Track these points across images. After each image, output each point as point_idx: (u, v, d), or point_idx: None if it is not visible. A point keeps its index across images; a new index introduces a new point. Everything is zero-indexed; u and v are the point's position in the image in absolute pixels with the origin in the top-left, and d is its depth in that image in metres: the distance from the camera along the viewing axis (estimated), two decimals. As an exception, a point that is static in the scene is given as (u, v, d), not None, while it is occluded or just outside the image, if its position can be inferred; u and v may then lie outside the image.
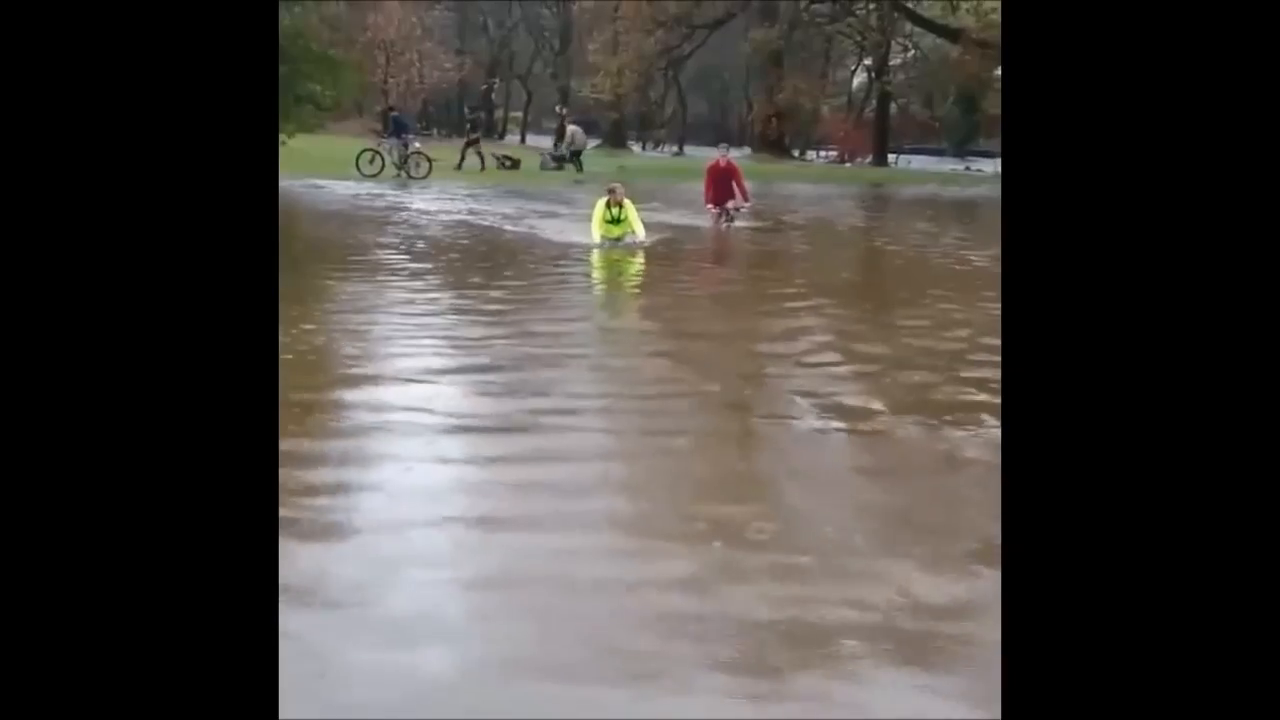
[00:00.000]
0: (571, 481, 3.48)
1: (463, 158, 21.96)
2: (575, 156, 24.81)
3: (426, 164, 19.38)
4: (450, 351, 5.49)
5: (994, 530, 3.13)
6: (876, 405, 4.62)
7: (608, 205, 10.04)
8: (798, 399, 4.68)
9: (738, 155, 22.94)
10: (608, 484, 3.53)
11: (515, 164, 24.04)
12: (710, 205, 12.42)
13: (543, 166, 24.48)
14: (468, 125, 24.80)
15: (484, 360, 5.33)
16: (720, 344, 6.03)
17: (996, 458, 4.00)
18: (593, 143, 35.83)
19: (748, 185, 12.68)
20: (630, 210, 10.04)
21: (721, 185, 12.41)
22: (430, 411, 4.23)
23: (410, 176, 18.90)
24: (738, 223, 12.41)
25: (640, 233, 9.95)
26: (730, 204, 12.26)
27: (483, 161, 22.06)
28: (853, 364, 5.48)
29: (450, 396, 4.56)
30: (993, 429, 4.21)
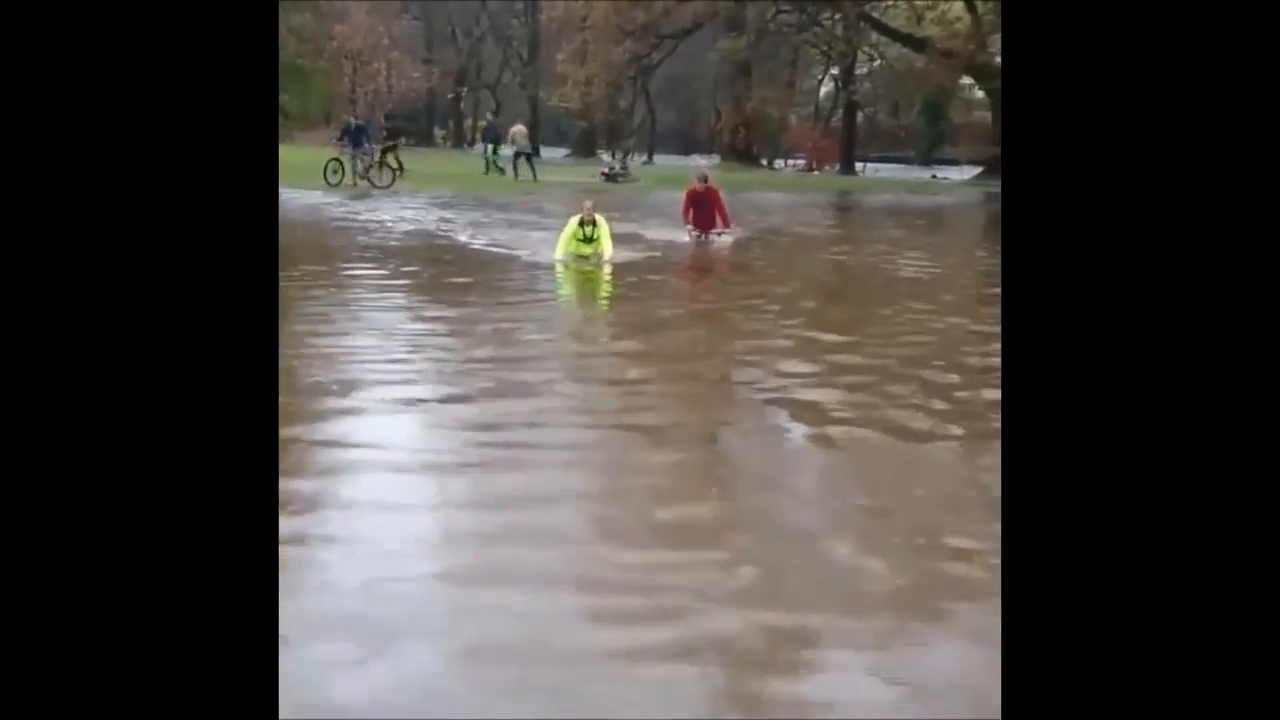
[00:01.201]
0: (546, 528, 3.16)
1: (382, 166, 19.83)
2: (526, 158, 23.99)
3: (390, 173, 19.40)
4: (407, 378, 5.09)
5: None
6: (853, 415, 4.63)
7: (580, 223, 9.42)
8: (782, 420, 4.67)
9: (706, 164, 22.87)
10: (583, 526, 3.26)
11: (613, 178, 24.53)
12: (689, 226, 11.72)
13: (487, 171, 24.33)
14: (383, 133, 23.00)
15: (447, 386, 5.17)
16: (697, 367, 5.89)
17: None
18: (562, 151, 35.88)
19: (728, 210, 11.88)
20: (603, 229, 9.45)
21: (701, 211, 11.68)
22: (389, 449, 3.92)
23: (374, 186, 18.84)
24: (723, 237, 11.71)
25: (609, 253, 9.40)
26: (712, 232, 11.63)
27: (394, 174, 19.77)
28: (835, 380, 5.43)
29: (411, 429, 4.27)
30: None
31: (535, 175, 23.41)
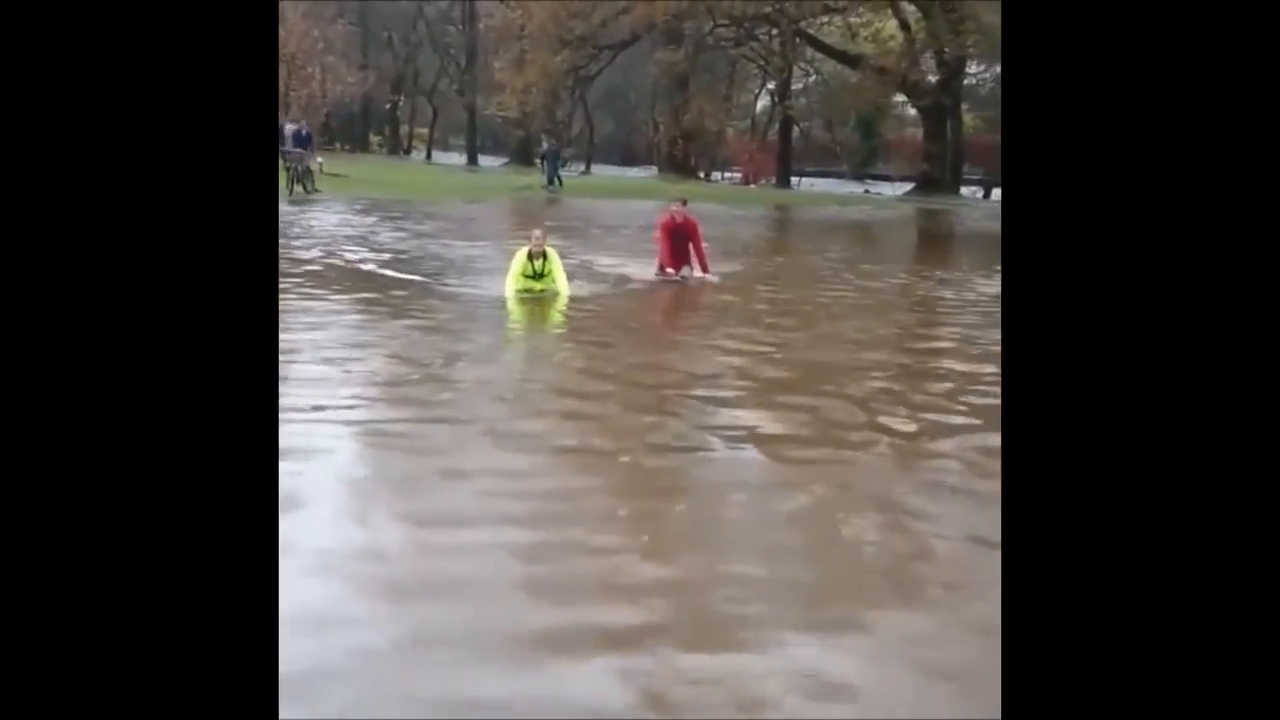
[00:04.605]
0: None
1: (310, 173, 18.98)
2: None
3: (314, 179, 19.49)
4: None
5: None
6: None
7: (529, 256, 8.29)
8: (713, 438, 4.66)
9: (642, 175, 22.30)
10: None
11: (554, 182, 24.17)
12: (663, 269, 9.65)
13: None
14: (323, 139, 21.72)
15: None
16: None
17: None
18: (500, 160, 35.30)
19: (706, 248, 9.81)
20: (555, 262, 8.34)
21: (679, 246, 9.61)
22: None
23: (306, 192, 18.68)
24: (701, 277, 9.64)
25: (564, 289, 8.30)
26: (689, 273, 9.61)
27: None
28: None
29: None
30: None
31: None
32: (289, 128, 19.64)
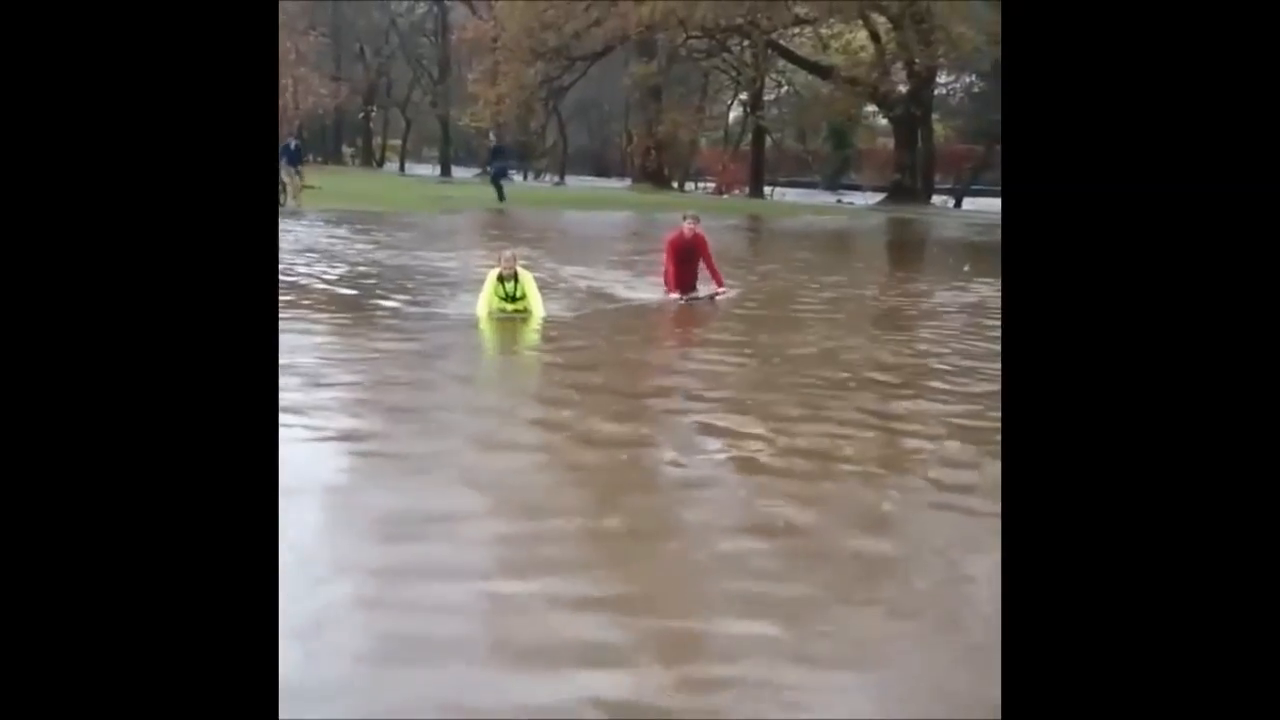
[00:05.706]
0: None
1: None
2: None
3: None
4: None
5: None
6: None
7: (500, 278, 7.91)
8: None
9: (616, 186, 21.94)
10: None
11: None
12: (673, 290, 9.12)
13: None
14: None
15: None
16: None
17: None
18: (473, 171, 35.15)
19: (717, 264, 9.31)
20: (529, 284, 7.99)
21: (687, 265, 9.14)
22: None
23: (280, 204, 18.72)
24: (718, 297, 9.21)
25: (539, 311, 7.93)
26: (705, 293, 9.19)
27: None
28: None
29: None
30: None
31: None
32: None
